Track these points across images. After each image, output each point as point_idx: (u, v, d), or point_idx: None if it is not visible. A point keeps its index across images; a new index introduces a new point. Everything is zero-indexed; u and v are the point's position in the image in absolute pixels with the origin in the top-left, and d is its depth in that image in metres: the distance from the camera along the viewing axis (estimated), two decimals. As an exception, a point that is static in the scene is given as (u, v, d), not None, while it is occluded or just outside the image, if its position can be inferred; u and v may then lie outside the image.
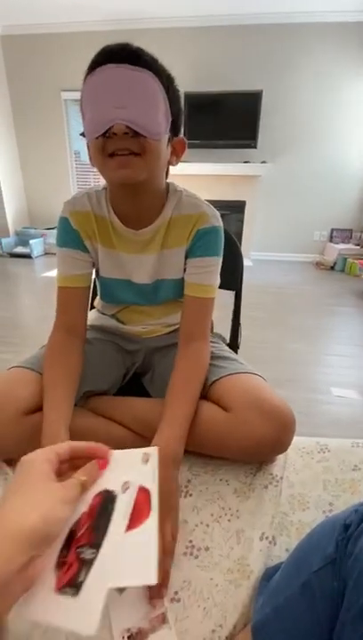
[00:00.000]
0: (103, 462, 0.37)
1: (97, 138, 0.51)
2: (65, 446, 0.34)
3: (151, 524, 0.33)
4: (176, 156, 0.62)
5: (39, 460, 0.31)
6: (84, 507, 0.34)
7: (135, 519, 0.34)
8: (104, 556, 0.31)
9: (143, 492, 0.35)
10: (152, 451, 0.38)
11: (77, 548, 0.31)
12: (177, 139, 0.60)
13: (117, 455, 0.39)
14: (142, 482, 0.36)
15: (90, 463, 0.35)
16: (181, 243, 0.67)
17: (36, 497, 0.28)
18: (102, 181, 0.63)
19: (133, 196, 0.61)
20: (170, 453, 0.52)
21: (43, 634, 0.41)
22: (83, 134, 0.55)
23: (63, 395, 0.59)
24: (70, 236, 0.66)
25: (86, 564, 0.30)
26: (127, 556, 0.31)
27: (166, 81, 0.53)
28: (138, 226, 0.65)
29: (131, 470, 0.37)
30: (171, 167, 0.64)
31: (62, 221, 0.66)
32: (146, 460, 0.38)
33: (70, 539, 0.32)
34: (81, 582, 0.29)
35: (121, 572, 0.30)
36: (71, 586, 0.29)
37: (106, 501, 0.34)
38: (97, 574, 0.30)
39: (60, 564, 0.30)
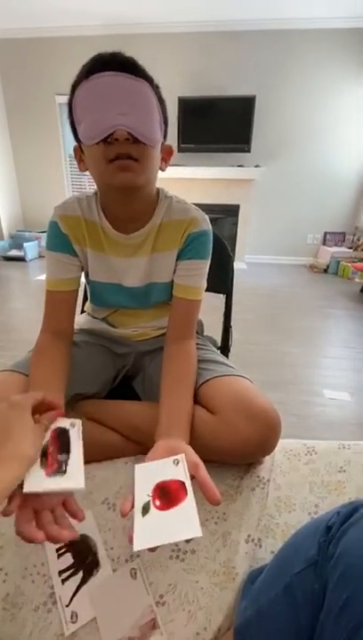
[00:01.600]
0: (58, 412, 0.49)
1: (97, 143, 0.52)
2: (39, 397, 0.47)
3: (189, 500, 0.41)
4: (165, 161, 0.63)
5: (27, 406, 0.44)
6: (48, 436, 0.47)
7: (173, 501, 0.41)
8: (147, 524, 0.39)
9: (178, 483, 0.43)
10: (180, 457, 0.46)
11: (53, 454, 0.44)
12: (165, 145, 0.61)
13: (146, 467, 0.46)
14: (177, 477, 0.44)
15: (49, 413, 0.48)
16: (173, 246, 0.68)
17: (28, 434, 0.42)
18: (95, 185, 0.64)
19: (127, 201, 0.61)
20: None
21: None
22: (77, 139, 0.56)
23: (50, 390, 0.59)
24: (60, 240, 0.66)
25: (64, 462, 0.44)
26: (171, 522, 0.39)
27: (158, 91, 0.55)
28: (129, 230, 0.66)
29: (164, 474, 0.45)
30: (161, 172, 0.65)
31: (52, 225, 0.66)
32: (176, 463, 0.46)
33: (44, 454, 0.44)
34: (65, 469, 0.43)
35: (170, 532, 0.38)
36: (58, 471, 0.43)
37: (61, 432, 0.48)
38: (73, 465, 0.44)
39: (44, 465, 0.42)
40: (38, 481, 0.40)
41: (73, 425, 0.49)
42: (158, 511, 0.40)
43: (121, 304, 0.75)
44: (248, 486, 0.58)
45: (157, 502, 0.41)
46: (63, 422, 0.49)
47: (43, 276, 3.32)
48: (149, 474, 0.45)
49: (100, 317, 0.81)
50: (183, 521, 0.39)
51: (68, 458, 0.45)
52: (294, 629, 0.36)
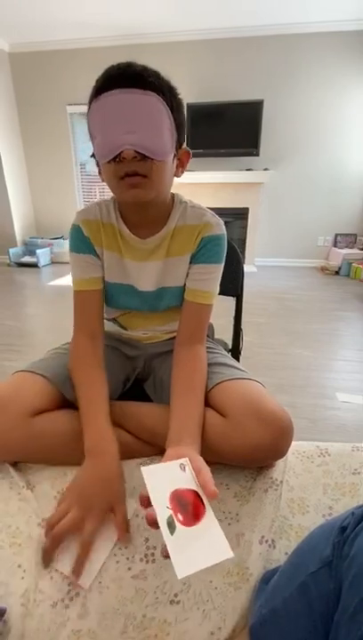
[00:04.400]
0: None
1: (108, 162, 0.54)
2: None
3: (209, 515, 0.42)
4: (182, 167, 0.64)
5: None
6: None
7: (196, 516, 0.41)
8: (180, 546, 0.39)
9: (193, 494, 0.43)
10: (185, 461, 0.47)
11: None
12: (182, 150, 0.62)
13: (153, 470, 0.45)
14: (189, 485, 0.44)
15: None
16: (187, 251, 0.69)
17: None
18: (107, 191, 0.67)
19: (141, 210, 0.64)
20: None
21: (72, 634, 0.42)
22: (93, 155, 0.58)
23: (98, 392, 0.62)
24: (82, 242, 0.69)
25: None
26: (203, 543, 0.39)
27: (170, 95, 0.55)
28: (144, 234, 0.68)
29: (173, 480, 0.45)
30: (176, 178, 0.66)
31: (74, 229, 0.69)
32: (183, 468, 0.46)
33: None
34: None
35: (199, 557, 0.38)
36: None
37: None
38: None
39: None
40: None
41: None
42: (184, 527, 0.40)
43: (133, 306, 0.77)
44: (261, 488, 0.58)
45: (180, 517, 0.41)
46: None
47: (55, 282, 3.40)
48: (157, 478, 0.45)
49: (111, 317, 0.82)
50: (213, 542, 0.39)
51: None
52: (308, 629, 0.36)
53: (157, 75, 0.54)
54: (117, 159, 0.53)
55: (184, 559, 0.38)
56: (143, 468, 0.45)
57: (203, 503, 0.42)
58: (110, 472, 0.55)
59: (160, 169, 0.56)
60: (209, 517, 0.41)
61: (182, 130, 0.59)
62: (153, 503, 0.42)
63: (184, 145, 0.63)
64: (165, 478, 0.44)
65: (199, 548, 0.39)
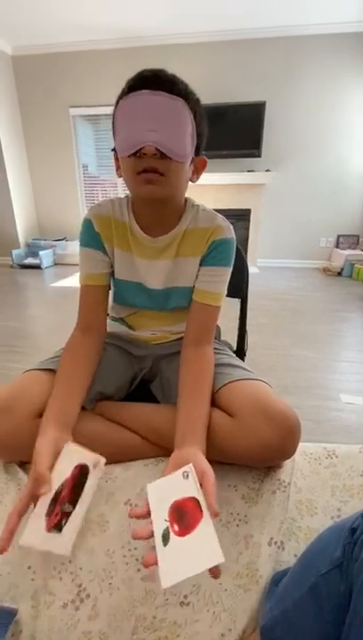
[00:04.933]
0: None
1: (129, 156, 0.55)
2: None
3: (206, 520, 0.40)
4: (197, 173, 0.66)
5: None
6: (67, 474, 0.49)
7: (191, 524, 0.41)
8: (170, 556, 0.39)
9: (192, 501, 0.43)
10: (189, 468, 0.46)
11: (61, 503, 0.47)
12: (199, 158, 0.64)
13: (158, 485, 0.46)
14: (189, 493, 0.43)
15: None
16: (197, 252, 0.70)
17: None
18: (111, 192, 0.67)
19: (154, 208, 0.65)
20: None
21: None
22: (114, 149, 0.60)
23: (64, 391, 0.62)
24: (92, 238, 0.70)
25: (66, 514, 0.47)
26: (193, 550, 0.39)
27: (195, 105, 0.57)
28: (155, 233, 0.69)
29: (176, 491, 0.44)
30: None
31: (86, 223, 0.70)
32: (186, 476, 0.45)
33: (56, 497, 0.47)
34: (62, 526, 0.46)
35: (187, 565, 0.38)
36: (56, 526, 0.46)
37: (81, 473, 0.49)
38: (71, 524, 0.47)
39: (49, 513, 0.46)
40: (35, 535, 0.44)
41: (96, 465, 0.50)
42: (178, 538, 0.40)
43: (141, 305, 0.77)
44: (269, 489, 0.58)
45: (176, 527, 0.41)
46: (88, 458, 0.50)
47: (58, 283, 3.41)
48: (161, 492, 0.45)
49: (119, 317, 0.83)
50: (204, 547, 0.38)
51: (72, 512, 0.47)
52: (320, 630, 0.36)
53: (185, 84, 0.57)
54: (138, 154, 0.54)
55: (171, 568, 0.38)
56: (149, 486, 0.46)
57: (201, 510, 0.42)
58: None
59: (177, 169, 0.57)
60: (205, 522, 0.40)
61: (202, 139, 0.61)
62: (152, 517, 0.42)
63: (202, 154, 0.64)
64: (168, 491, 0.45)
65: (189, 556, 0.38)
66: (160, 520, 0.42)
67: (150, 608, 0.45)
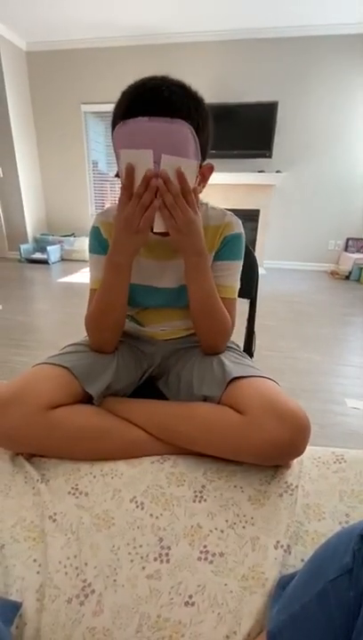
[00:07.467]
0: None
1: None
2: None
3: None
4: (204, 181, 0.64)
5: None
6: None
7: None
8: None
9: None
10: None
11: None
12: (205, 165, 0.63)
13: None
14: None
15: None
16: (210, 249, 0.71)
17: None
18: (118, 189, 0.67)
19: None
20: None
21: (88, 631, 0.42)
22: (117, 175, 0.58)
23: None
24: (101, 244, 0.71)
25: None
26: None
27: (196, 115, 0.55)
28: (167, 234, 0.68)
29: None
30: None
31: (94, 230, 0.72)
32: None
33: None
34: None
35: None
36: None
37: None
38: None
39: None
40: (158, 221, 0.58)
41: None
42: None
43: (152, 304, 0.78)
44: (276, 492, 0.58)
45: None
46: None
47: (65, 279, 3.43)
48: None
49: (128, 314, 0.83)
50: None
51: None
52: (328, 635, 0.36)
53: (183, 94, 0.54)
54: None
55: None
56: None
57: None
58: None
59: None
60: None
61: (207, 148, 0.60)
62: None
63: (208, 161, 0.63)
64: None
65: None
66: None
67: (155, 607, 0.45)
